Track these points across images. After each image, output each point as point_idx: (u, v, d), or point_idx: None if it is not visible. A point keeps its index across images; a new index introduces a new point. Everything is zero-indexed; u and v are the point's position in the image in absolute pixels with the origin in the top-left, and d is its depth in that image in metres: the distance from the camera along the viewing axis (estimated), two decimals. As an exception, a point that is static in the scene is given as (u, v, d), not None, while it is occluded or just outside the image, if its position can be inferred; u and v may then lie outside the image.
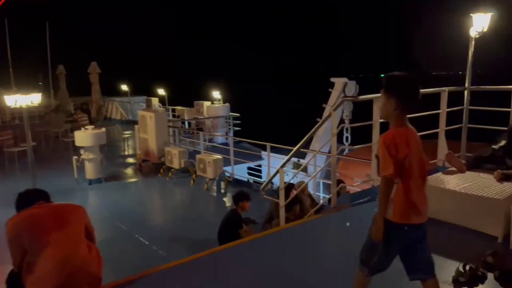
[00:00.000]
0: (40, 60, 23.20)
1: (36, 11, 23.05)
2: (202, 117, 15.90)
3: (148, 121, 11.27)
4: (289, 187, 6.43)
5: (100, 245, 6.63)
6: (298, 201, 6.51)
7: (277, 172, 5.24)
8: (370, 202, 4.23)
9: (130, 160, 12.97)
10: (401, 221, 2.57)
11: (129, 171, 11.50)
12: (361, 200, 4.21)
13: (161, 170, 10.77)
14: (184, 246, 6.36)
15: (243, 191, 6.17)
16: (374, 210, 2.62)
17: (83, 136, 9.76)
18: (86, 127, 10.10)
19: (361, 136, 5.61)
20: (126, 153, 14.11)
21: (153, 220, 7.75)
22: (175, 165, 10.45)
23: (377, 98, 4.31)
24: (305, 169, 8.22)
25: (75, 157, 9.97)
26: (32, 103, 8.94)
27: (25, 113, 8.94)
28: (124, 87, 22.09)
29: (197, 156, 9.84)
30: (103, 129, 10.18)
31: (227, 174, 9.69)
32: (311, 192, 7.28)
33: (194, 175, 9.91)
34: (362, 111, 5.64)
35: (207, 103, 16.23)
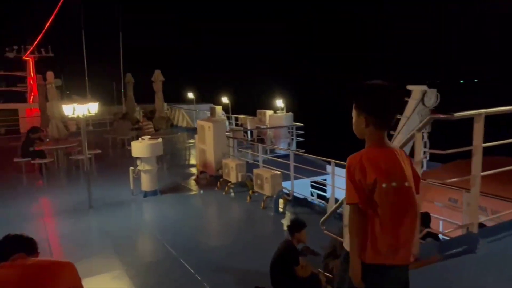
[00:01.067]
0: (113, 69, 24.14)
1: (109, 23, 24.01)
2: (264, 126, 15.23)
3: (207, 131, 10.79)
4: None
5: (141, 269, 6.23)
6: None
7: (341, 203, 4.29)
8: (468, 254, 3.14)
9: (190, 170, 12.61)
10: (374, 261, 2.19)
11: (187, 182, 11.08)
12: (455, 251, 3.14)
13: (218, 184, 10.20)
14: (232, 279, 5.60)
15: (298, 220, 5.27)
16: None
17: (140, 147, 9.47)
18: (143, 137, 9.81)
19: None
20: (187, 162, 13.82)
21: (203, 242, 7.10)
22: (232, 178, 9.81)
23: (479, 115, 3.22)
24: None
25: (131, 168, 9.71)
26: (89, 112, 8.80)
27: (82, 122, 8.84)
28: (190, 95, 22.18)
29: (255, 170, 9.11)
30: (160, 140, 9.84)
31: (286, 191, 8.83)
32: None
33: (251, 191, 9.18)
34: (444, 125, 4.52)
35: (269, 112, 15.53)
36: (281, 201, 8.61)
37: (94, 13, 23.91)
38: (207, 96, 24.66)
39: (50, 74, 13.06)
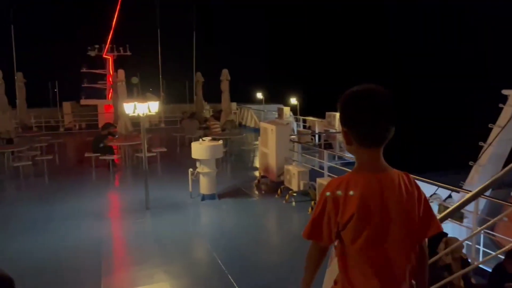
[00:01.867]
0: (186, 67, 24.56)
1: (184, 22, 24.45)
2: (333, 130, 14.29)
3: (269, 134, 10.19)
4: (436, 239, 4.52)
5: (186, 283, 5.79)
6: (445, 267, 4.52)
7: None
8: None
9: (252, 174, 12.13)
10: None
11: (247, 187, 10.58)
12: None
13: (279, 191, 9.56)
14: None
15: None
16: None
17: (199, 148, 9.13)
18: (203, 138, 9.47)
19: None
20: (250, 165, 13.36)
21: (258, 257, 6.50)
22: (294, 186, 9.12)
23: None
24: (460, 216, 5.97)
25: (190, 169, 9.42)
26: (149, 111, 8.62)
27: (142, 121, 8.68)
28: (259, 95, 21.81)
29: (318, 179, 8.33)
30: (220, 142, 9.43)
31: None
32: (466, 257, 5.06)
33: (313, 202, 8.42)
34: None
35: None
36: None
37: (170, 12, 24.49)
38: (277, 96, 24.10)
39: (121, 72, 13.33)
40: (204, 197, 9.28)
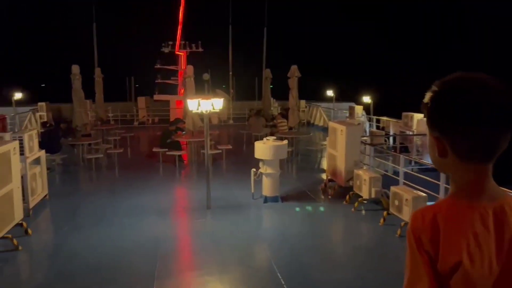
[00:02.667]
0: (256, 64, 24.33)
1: (255, 17, 24.24)
2: (410, 132, 13.11)
3: (339, 135, 9.47)
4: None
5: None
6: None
7: None
8: None
9: (318, 176, 11.48)
10: None
11: (312, 191, 9.97)
12: None
13: (347, 197, 8.83)
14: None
15: None
16: None
17: (262, 148, 8.69)
18: (267, 137, 9.03)
19: None
20: (317, 166, 12.70)
21: (319, 272, 5.90)
22: (364, 193, 8.33)
23: None
24: None
25: (253, 169, 9.03)
26: (213, 108, 8.34)
27: (206, 118, 8.44)
28: (330, 93, 20.91)
29: (392, 188, 7.48)
30: (285, 142, 8.92)
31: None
32: None
33: (385, 212, 7.60)
34: None
35: (418, 116, 13.31)
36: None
37: (241, 8, 24.41)
38: (349, 94, 22.99)
39: (190, 68, 13.33)
40: (266, 199, 8.84)
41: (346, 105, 20.42)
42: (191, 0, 22.59)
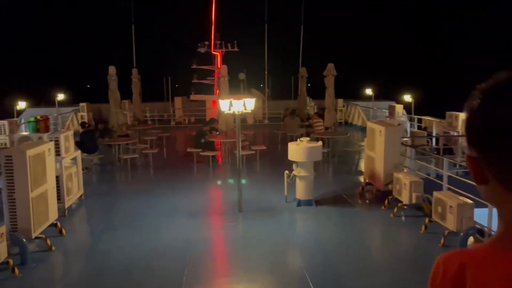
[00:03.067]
0: (291, 62, 23.96)
1: (292, 15, 23.87)
2: (454, 133, 12.36)
3: (377, 136, 9.01)
4: None
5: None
6: None
7: None
8: None
9: (355, 179, 11.03)
10: None
11: (349, 194, 9.56)
12: None
13: (386, 202, 8.37)
14: None
15: None
16: None
17: (296, 150, 8.40)
18: (301, 139, 8.72)
19: None
20: (354, 169, 12.22)
21: (354, 283, 5.55)
22: (405, 198, 7.86)
23: None
24: None
25: (286, 171, 8.75)
26: (245, 109, 8.13)
27: (238, 119, 8.25)
28: (368, 91, 20.21)
29: (435, 193, 6.98)
30: (319, 144, 8.59)
31: (478, 227, 6.47)
32: None
33: (427, 219, 7.10)
34: None
35: (463, 115, 12.54)
36: (471, 240, 6.32)
37: (277, 6, 24.11)
38: (388, 92, 22.14)
39: (224, 68, 13.22)
40: (300, 203, 8.53)
41: (385, 104, 19.67)
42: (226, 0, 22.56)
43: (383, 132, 8.78)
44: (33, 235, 6.39)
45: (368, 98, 20.82)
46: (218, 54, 22.81)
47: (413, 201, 7.72)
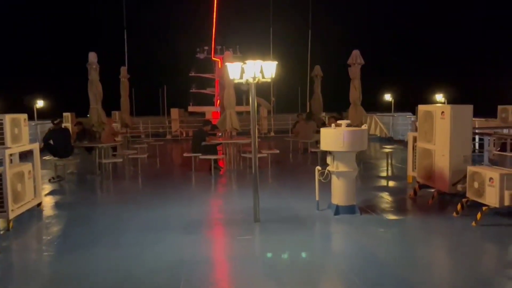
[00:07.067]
0: (299, 71, 21.99)
1: (298, 15, 22.10)
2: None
3: (437, 120, 6.73)
4: None
5: None
6: None
7: None
8: None
9: (398, 183, 8.73)
10: None
11: (397, 200, 7.23)
12: None
13: (459, 207, 6.01)
14: None
15: None
16: None
17: (332, 135, 6.12)
18: (339, 121, 6.43)
19: None
20: (385, 174, 9.88)
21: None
22: (490, 200, 5.52)
23: None
24: None
25: (318, 167, 6.43)
26: (263, 76, 5.85)
27: (252, 91, 5.99)
28: (388, 97, 18.05)
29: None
30: (364, 127, 6.31)
31: None
32: None
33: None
34: None
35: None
36: None
37: (283, 10, 22.34)
38: (410, 101, 19.81)
39: (227, 54, 11.06)
40: (338, 210, 6.16)
41: (406, 115, 17.65)
42: (229, 4, 20.75)
43: (447, 113, 6.50)
44: None
45: (387, 107, 18.61)
46: (219, 61, 20.83)
47: (507, 203, 5.38)
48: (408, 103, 18.75)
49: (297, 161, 12.60)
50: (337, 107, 15.42)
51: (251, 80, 5.71)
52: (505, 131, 9.76)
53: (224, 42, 20.47)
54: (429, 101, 16.59)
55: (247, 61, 5.67)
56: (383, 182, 8.99)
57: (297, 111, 21.59)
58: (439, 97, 15.70)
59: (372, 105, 20.89)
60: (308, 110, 16.41)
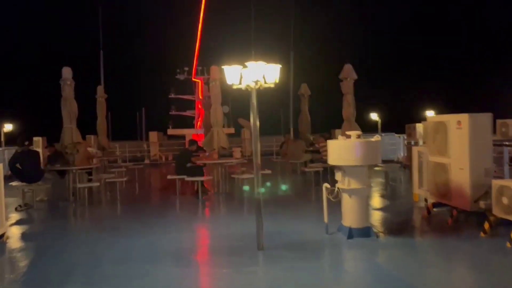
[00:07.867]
0: (281, 92, 21.50)
1: (281, 39, 21.82)
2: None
3: (452, 131, 6.16)
4: None
5: None
6: None
7: None
8: None
9: (405, 202, 8.10)
10: None
11: (409, 220, 6.57)
12: None
13: (486, 225, 5.37)
14: None
15: None
16: None
17: (341, 148, 5.44)
18: (347, 132, 5.75)
19: None
20: (384, 193, 9.25)
21: None
22: (523, 217, 4.89)
23: None
24: None
25: (325, 185, 5.69)
26: (265, 82, 5.15)
27: (253, 98, 5.28)
28: (374, 116, 17.59)
29: None
30: (378, 138, 5.67)
31: None
32: None
33: None
34: None
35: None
36: None
37: (265, 29, 22.04)
38: (402, 120, 19.14)
39: (214, 69, 10.39)
40: (351, 233, 5.41)
41: (391, 136, 17.27)
42: (211, 22, 20.28)
43: (465, 123, 5.94)
44: None
45: (372, 127, 18.13)
46: (199, 82, 20.19)
47: (544, 219, 4.77)
48: (395, 121, 18.20)
49: (291, 182, 11.85)
50: (325, 126, 14.89)
51: (252, 85, 5.00)
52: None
53: (205, 64, 19.89)
54: (418, 119, 16.22)
55: (247, 63, 4.97)
56: (386, 202, 8.33)
57: (280, 132, 21.02)
58: (430, 113, 15.34)
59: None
60: (291, 130, 15.76)
